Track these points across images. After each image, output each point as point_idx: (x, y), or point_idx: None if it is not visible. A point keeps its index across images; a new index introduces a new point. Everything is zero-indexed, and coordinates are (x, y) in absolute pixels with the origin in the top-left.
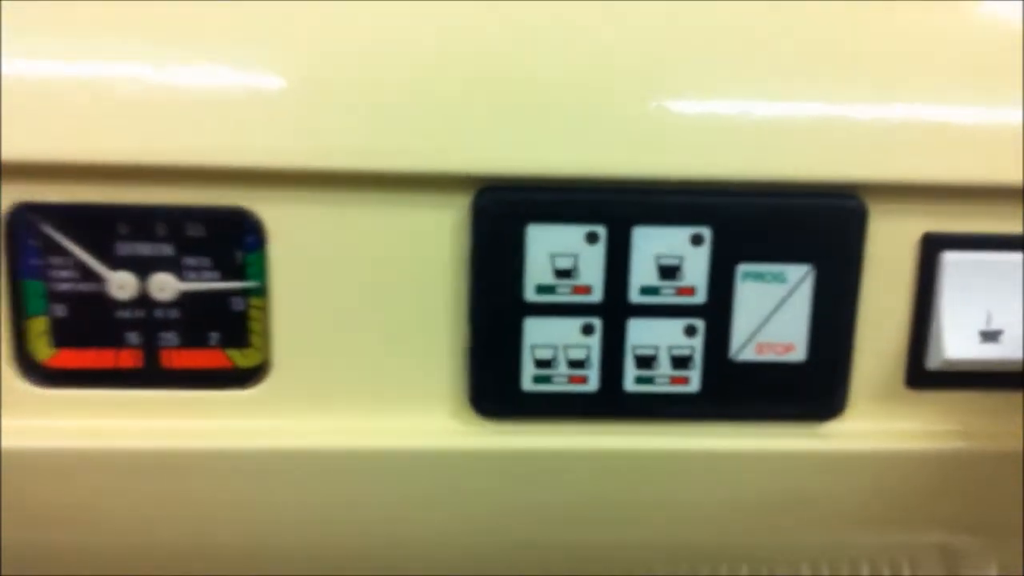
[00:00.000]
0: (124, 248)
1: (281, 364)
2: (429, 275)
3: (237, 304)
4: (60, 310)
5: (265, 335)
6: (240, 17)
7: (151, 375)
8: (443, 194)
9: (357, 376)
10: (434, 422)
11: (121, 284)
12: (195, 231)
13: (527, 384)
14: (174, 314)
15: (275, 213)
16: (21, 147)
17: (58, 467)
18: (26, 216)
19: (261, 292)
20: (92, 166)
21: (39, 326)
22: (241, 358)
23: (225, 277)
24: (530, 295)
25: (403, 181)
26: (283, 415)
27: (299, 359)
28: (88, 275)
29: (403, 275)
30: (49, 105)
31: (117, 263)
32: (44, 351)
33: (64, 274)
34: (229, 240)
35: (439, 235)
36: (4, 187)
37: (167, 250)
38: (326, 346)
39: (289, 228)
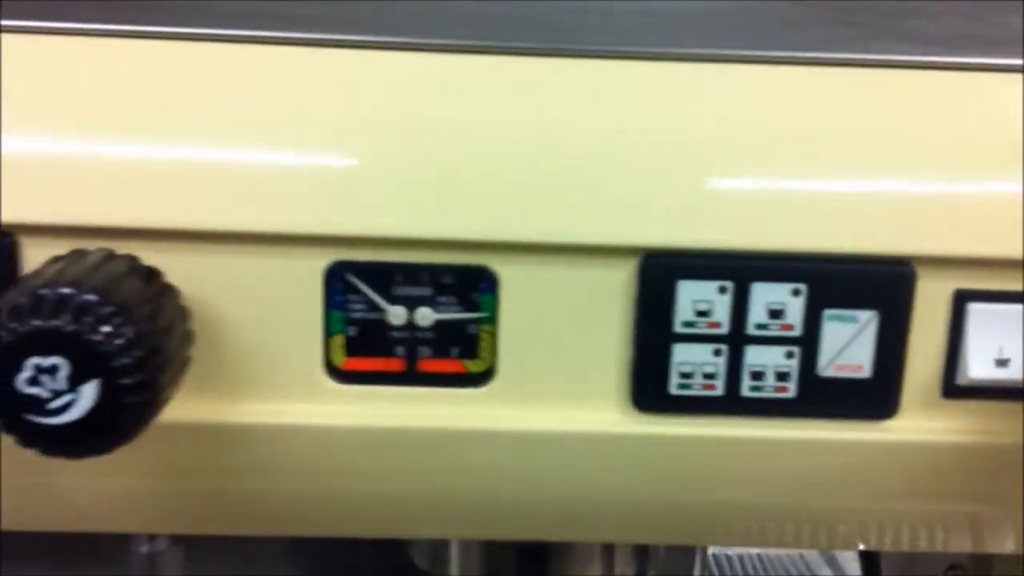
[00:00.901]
0: (399, 290)
1: (503, 371)
2: (608, 313)
3: (472, 329)
4: (353, 331)
5: (491, 350)
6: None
7: (412, 376)
8: (619, 258)
9: (557, 381)
10: (607, 415)
11: (396, 315)
12: (447, 279)
13: (673, 389)
14: (430, 335)
15: (507, 270)
16: (346, 223)
17: (350, 441)
18: (338, 269)
19: (490, 321)
20: (386, 239)
21: (338, 341)
22: (473, 366)
23: (466, 310)
24: (677, 328)
25: (591, 250)
26: (505, 407)
27: (516, 368)
28: (374, 308)
29: (591, 313)
30: (380, 191)
31: (394, 300)
32: (340, 358)
33: (358, 307)
34: (470, 286)
35: (615, 286)
36: (324, 251)
37: (428, 292)
38: (536, 359)
39: (516, 279)
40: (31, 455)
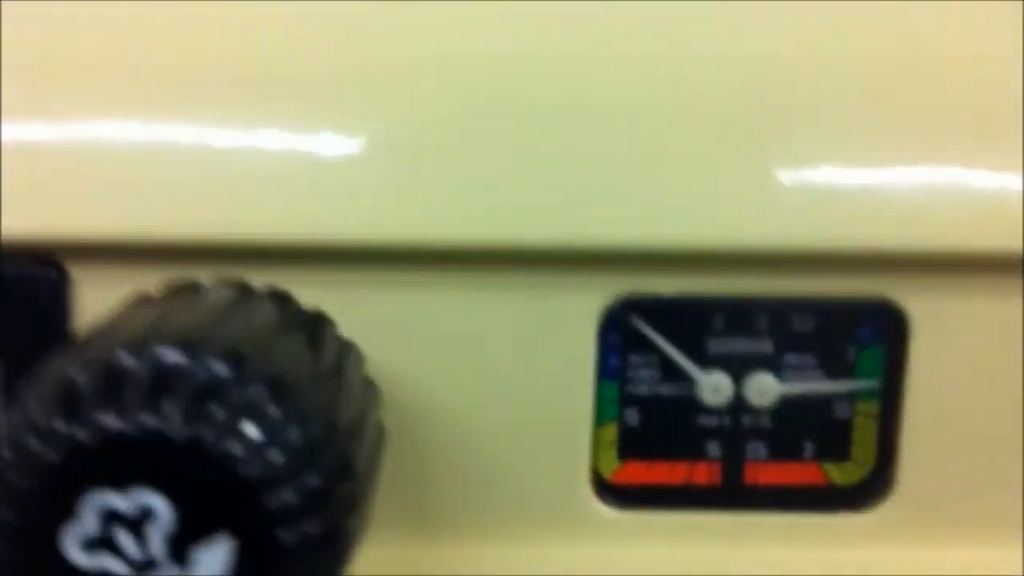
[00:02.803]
0: (718, 345)
1: (903, 483)
2: None
3: (843, 410)
4: (634, 416)
5: (871, 446)
6: None
7: (735, 494)
8: None
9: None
10: None
11: (716, 387)
12: (807, 324)
13: None
14: (767, 422)
15: (922, 305)
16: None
17: None
18: (620, 310)
19: (873, 396)
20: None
21: (609, 435)
22: (841, 474)
23: (829, 377)
24: None
25: None
26: (897, 545)
27: (926, 477)
28: (672, 373)
29: None
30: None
31: (709, 362)
32: (610, 463)
33: (644, 372)
34: (842, 335)
35: None
36: (605, 278)
37: (768, 347)
38: (960, 461)
39: (936, 319)
40: None
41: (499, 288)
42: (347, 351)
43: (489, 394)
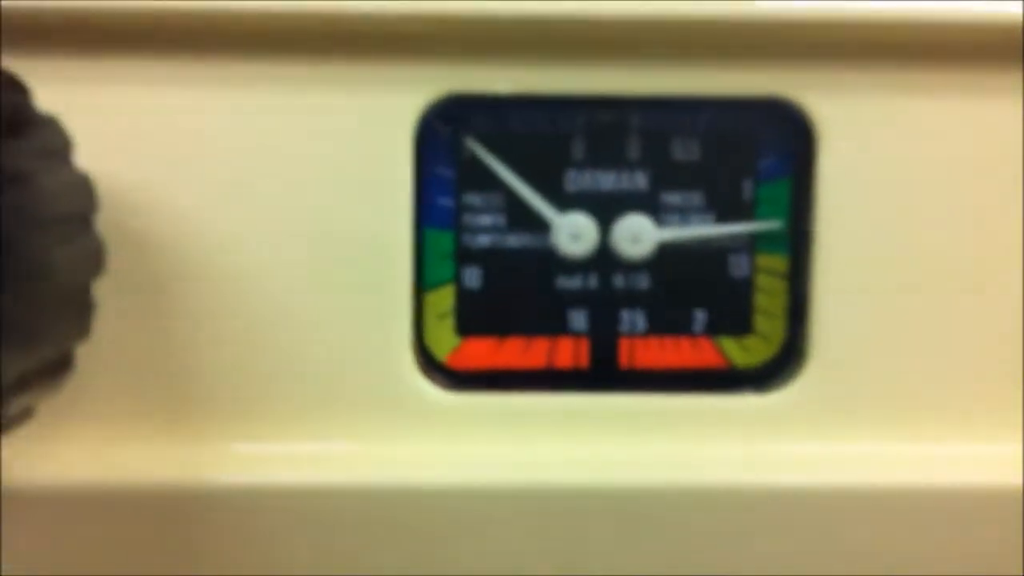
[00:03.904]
0: (578, 179)
1: (815, 360)
2: None
3: (740, 266)
4: (474, 276)
5: (781, 317)
6: None
7: (604, 377)
8: None
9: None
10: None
11: (575, 232)
12: (684, 149)
13: None
14: (643, 281)
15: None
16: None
17: (463, 504)
18: (445, 122)
19: (779, 243)
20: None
21: (442, 301)
22: (742, 354)
23: (721, 221)
24: None
25: None
26: (807, 432)
27: (842, 349)
28: (520, 215)
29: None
30: None
31: (568, 200)
32: (445, 341)
33: (486, 220)
34: (741, 164)
35: None
36: (420, 71)
37: (644, 181)
38: (883, 325)
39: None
40: None
41: (272, 82)
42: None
43: (277, 233)
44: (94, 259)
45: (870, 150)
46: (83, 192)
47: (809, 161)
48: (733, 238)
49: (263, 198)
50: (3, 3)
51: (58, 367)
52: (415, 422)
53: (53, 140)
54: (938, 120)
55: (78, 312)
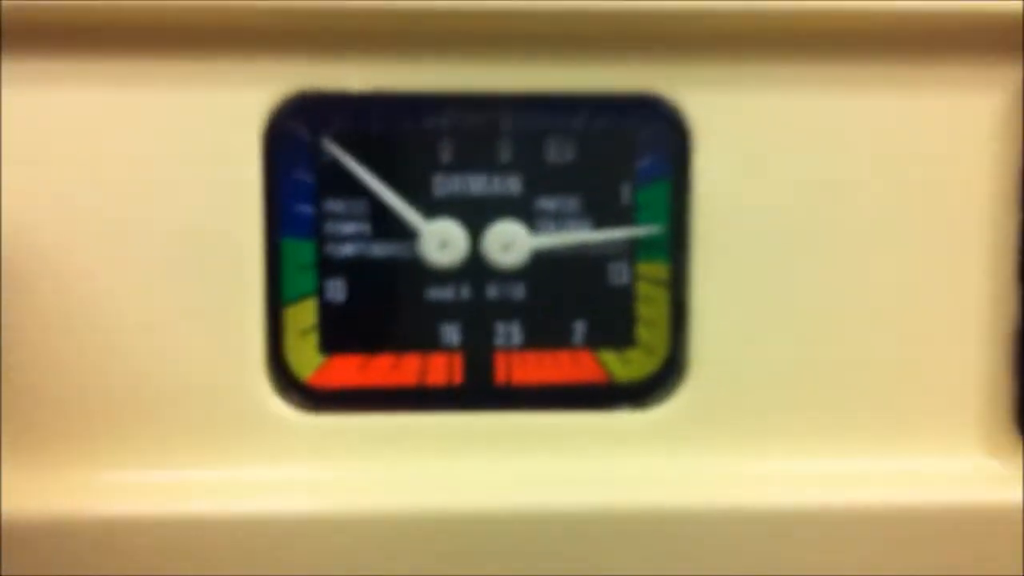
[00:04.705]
0: (446, 184)
1: (695, 375)
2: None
3: (620, 275)
4: (336, 289)
5: (659, 325)
6: None
7: (479, 394)
8: None
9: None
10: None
11: (443, 240)
12: (559, 151)
13: None
14: (518, 292)
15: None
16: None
17: (327, 532)
18: (299, 123)
19: (660, 248)
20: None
21: (303, 316)
22: (623, 367)
23: (599, 226)
24: None
25: None
26: (690, 452)
27: (722, 362)
28: (385, 225)
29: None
30: None
31: (435, 206)
32: (309, 359)
33: (349, 228)
34: (618, 159)
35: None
36: (268, 66)
37: (517, 184)
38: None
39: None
40: None
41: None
42: None
43: (120, 243)
44: None
45: (747, 149)
46: None
47: (686, 162)
48: (612, 244)
49: (107, 207)
50: None
51: None
52: (275, 446)
53: None
54: (818, 115)
55: None
